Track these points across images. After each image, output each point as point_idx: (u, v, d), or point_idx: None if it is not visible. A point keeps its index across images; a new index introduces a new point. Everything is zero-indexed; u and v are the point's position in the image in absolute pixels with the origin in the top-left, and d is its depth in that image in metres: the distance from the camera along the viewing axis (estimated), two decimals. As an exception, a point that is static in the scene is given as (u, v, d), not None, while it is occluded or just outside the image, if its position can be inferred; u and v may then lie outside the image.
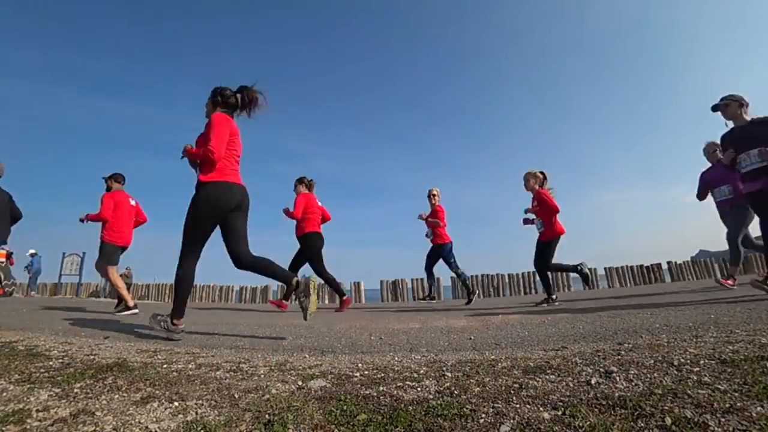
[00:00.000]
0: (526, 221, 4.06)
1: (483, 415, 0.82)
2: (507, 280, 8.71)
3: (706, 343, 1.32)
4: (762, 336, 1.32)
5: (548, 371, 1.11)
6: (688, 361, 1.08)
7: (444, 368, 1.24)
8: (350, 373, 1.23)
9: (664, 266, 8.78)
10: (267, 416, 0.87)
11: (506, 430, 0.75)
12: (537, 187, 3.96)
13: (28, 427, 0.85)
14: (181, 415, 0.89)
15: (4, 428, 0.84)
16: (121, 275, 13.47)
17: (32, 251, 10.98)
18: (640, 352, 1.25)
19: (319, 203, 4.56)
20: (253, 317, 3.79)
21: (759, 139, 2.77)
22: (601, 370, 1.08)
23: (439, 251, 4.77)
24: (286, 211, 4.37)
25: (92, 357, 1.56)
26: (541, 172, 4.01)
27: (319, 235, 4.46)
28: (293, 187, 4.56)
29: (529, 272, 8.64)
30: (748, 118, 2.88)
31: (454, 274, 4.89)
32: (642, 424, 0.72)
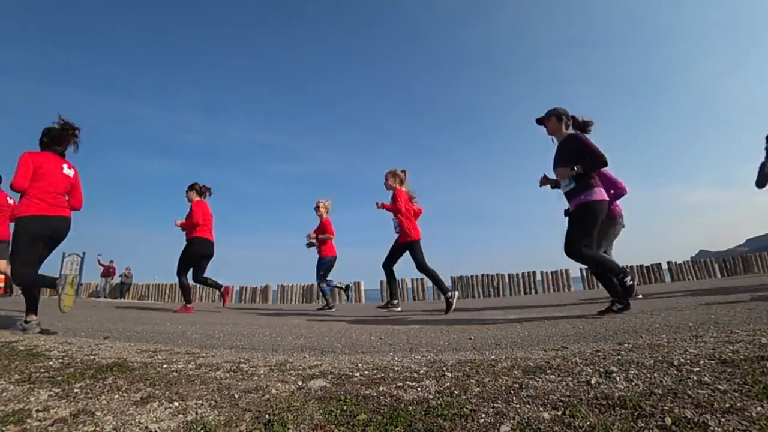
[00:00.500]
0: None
1: (483, 415, 0.82)
2: (507, 280, 8.72)
3: (706, 343, 1.31)
4: (762, 336, 1.32)
5: (548, 371, 1.11)
6: (688, 361, 1.08)
7: (444, 368, 1.24)
8: (350, 373, 1.23)
9: (664, 266, 8.78)
10: (267, 416, 0.87)
11: (506, 430, 0.75)
12: (396, 186, 3.85)
13: (28, 427, 0.85)
14: (181, 415, 0.89)
15: (4, 428, 0.84)
16: (121, 275, 13.44)
17: None
18: (640, 352, 1.25)
19: (210, 210, 4.59)
20: (253, 317, 3.79)
21: (565, 157, 2.58)
22: (601, 370, 1.08)
23: (318, 263, 4.85)
24: (184, 223, 4.40)
25: (92, 357, 1.56)
26: (402, 171, 3.90)
27: (207, 242, 4.45)
28: (185, 194, 4.55)
29: (528, 272, 8.64)
30: (566, 132, 2.65)
31: (317, 284, 4.99)
32: (642, 424, 0.72)
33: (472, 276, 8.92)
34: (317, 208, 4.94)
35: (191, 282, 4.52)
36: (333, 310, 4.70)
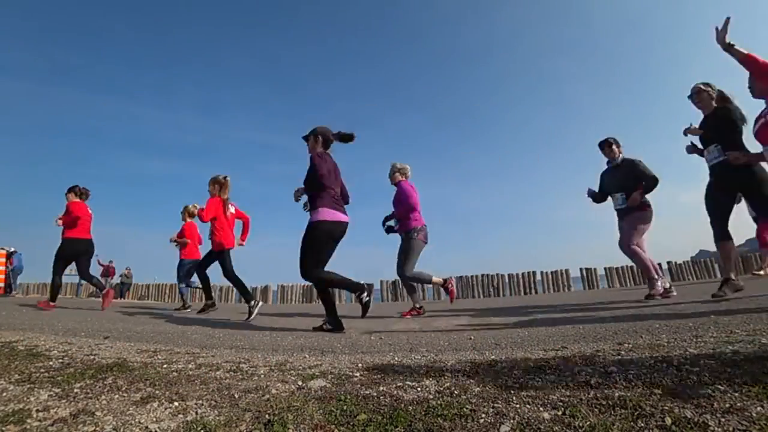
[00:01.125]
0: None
1: (483, 415, 0.82)
2: (507, 280, 8.71)
3: (706, 343, 1.31)
4: (762, 336, 1.32)
5: (548, 371, 1.11)
6: (688, 361, 1.08)
7: (444, 368, 1.24)
8: (350, 373, 1.23)
9: (664, 266, 8.78)
10: (267, 416, 0.87)
11: (506, 430, 0.75)
12: (216, 193, 3.98)
13: (28, 427, 0.85)
14: (181, 415, 0.89)
15: (4, 428, 0.84)
16: (121, 275, 13.40)
17: (11, 249, 10.74)
18: (640, 352, 1.25)
19: (90, 211, 4.74)
20: (253, 317, 3.79)
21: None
22: (601, 370, 1.08)
23: (178, 264, 5.17)
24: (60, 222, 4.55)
25: (92, 357, 1.57)
26: (224, 177, 4.02)
27: (80, 241, 4.56)
28: (65, 194, 4.73)
29: (528, 272, 8.64)
30: (317, 150, 2.67)
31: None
32: (642, 424, 0.72)
33: (472, 276, 8.92)
34: (181, 212, 5.36)
35: (62, 280, 4.65)
36: (188, 310, 4.86)
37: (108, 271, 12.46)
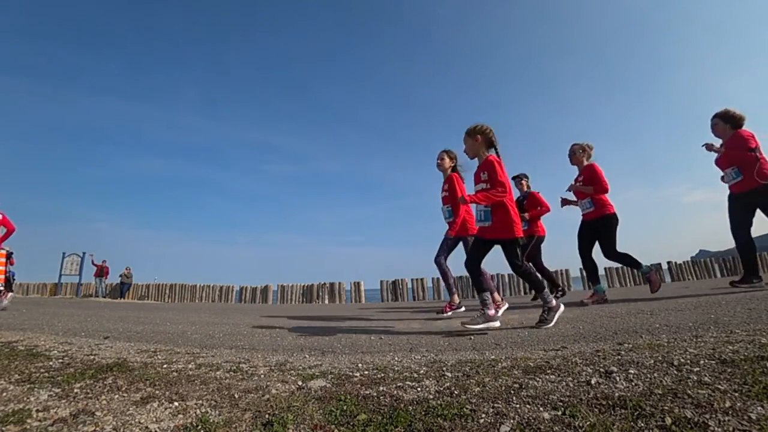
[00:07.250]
0: None
1: (483, 415, 0.82)
2: (507, 280, 8.72)
3: (706, 343, 1.31)
4: (762, 336, 1.32)
5: (548, 371, 1.11)
6: (688, 361, 1.08)
7: (444, 368, 1.24)
8: (350, 373, 1.23)
9: (664, 266, 8.78)
10: (267, 416, 0.87)
11: (506, 430, 0.75)
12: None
13: (28, 427, 0.85)
14: (181, 415, 0.89)
15: (4, 428, 0.84)
16: (121, 275, 13.33)
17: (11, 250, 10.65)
18: (640, 352, 1.25)
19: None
20: (254, 317, 3.79)
21: None
22: (601, 370, 1.08)
23: None
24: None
25: (92, 357, 1.56)
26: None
27: None
28: None
29: (529, 272, 8.63)
30: None
31: None
32: (642, 424, 0.72)
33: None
34: None
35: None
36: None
37: (102, 271, 12.39)
